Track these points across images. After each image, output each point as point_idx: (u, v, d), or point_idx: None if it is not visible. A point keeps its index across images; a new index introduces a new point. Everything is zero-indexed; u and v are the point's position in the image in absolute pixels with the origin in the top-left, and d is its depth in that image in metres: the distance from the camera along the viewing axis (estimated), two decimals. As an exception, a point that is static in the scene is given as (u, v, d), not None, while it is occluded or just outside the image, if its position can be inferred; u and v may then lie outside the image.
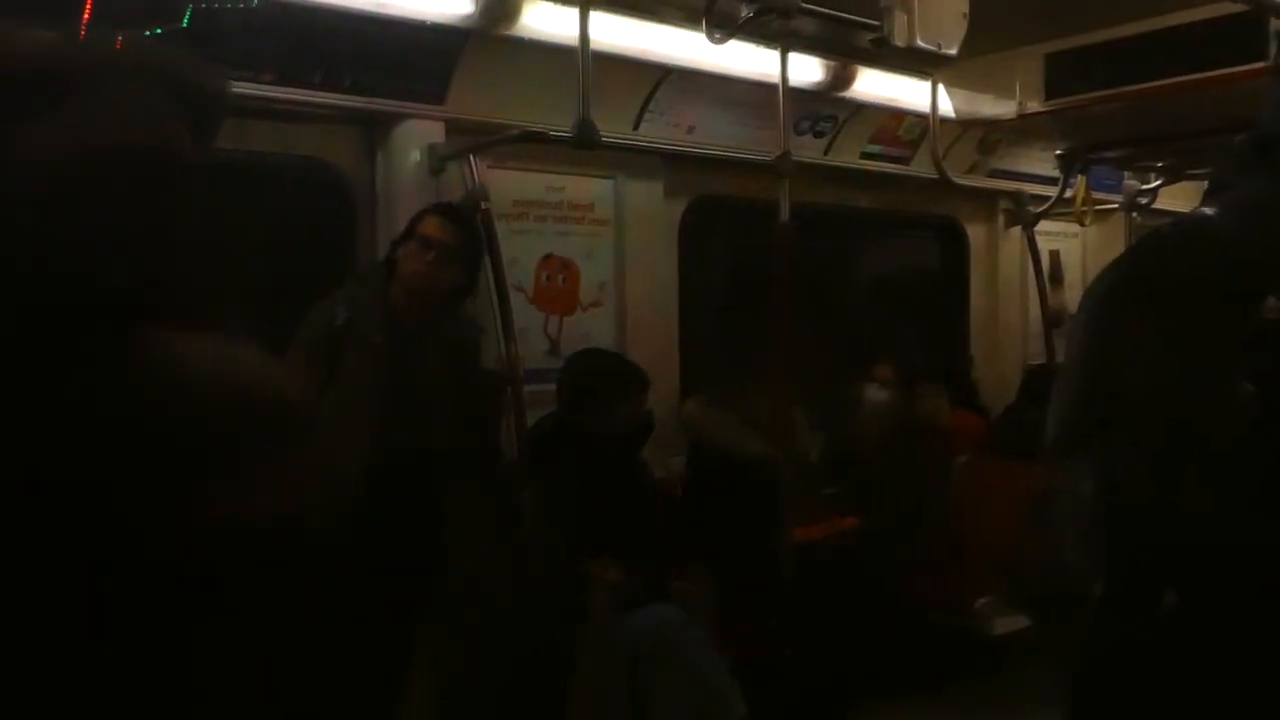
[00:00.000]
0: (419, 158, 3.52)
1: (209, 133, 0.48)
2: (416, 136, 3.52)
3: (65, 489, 0.38)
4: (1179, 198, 5.20)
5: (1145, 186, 5.21)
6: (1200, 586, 0.99)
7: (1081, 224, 5.07)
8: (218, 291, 0.45)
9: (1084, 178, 4.67)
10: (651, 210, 4.27)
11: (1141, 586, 1.01)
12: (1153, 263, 1.14)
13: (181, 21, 2.85)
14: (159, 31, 2.92)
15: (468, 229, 3.21)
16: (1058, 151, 4.58)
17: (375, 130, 3.56)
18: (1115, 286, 1.17)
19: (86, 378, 0.38)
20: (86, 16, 2.79)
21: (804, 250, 4.05)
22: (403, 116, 3.49)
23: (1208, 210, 1.10)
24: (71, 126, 0.41)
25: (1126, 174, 5.30)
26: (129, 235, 0.41)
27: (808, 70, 4.00)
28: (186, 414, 0.40)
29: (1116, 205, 5.42)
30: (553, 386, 3.71)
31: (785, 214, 3.59)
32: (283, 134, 3.40)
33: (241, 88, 3.09)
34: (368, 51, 3.27)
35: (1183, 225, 1.15)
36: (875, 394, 4.72)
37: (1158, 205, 5.31)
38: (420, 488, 3.01)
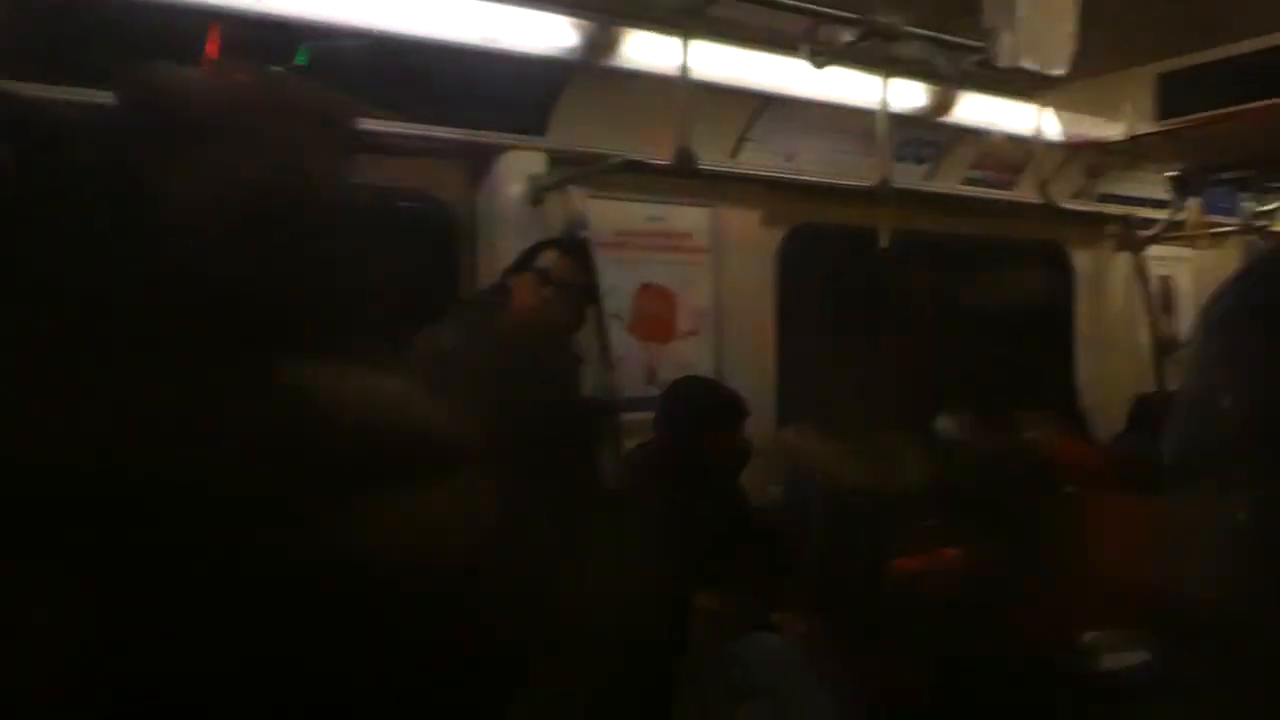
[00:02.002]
0: (521, 188, 3.58)
1: (345, 166, 0.49)
2: (518, 167, 3.58)
3: (213, 518, 0.39)
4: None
5: (1263, 208, 5.02)
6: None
7: (1194, 248, 4.90)
8: (360, 322, 0.46)
9: (1197, 200, 4.52)
10: (750, 238, 4.26)
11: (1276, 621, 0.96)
12: (1272, 283, 1.10)
13: (297, 60, 2.95)
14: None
15: (586, 265, 3.24)
16: (1170, 174, 4.45)
17: (478, 162, 3.63)
18: (1240, 303, 1.12)
19: (236, 410, 0.39)
20: (209, 57, 2.91)
21: (905, 278, 4.00)
22: (505, 148, 3.56)
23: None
24: (219, 165, 0.43)
25: (1242, 195, 5.12)
26: (276, 270, 0.42)
27: (909, 95, 3.96)
28: (332, 445, 0.41)
29: (1231, 228, 5.23)
30: (650, 414, 3.71)
31: (885, 241, 3.56)
32: (389, 168, 3.49)
33: (351, 123, 3.18)
34: (472, 85, 3.34)
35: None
36: (946, 425, 4.61)
37: (1278, 228, 5.11)
38: (520, 514, 3.03)
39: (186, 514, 0.39)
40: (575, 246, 3.29)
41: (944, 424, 4.61)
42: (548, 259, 3.14)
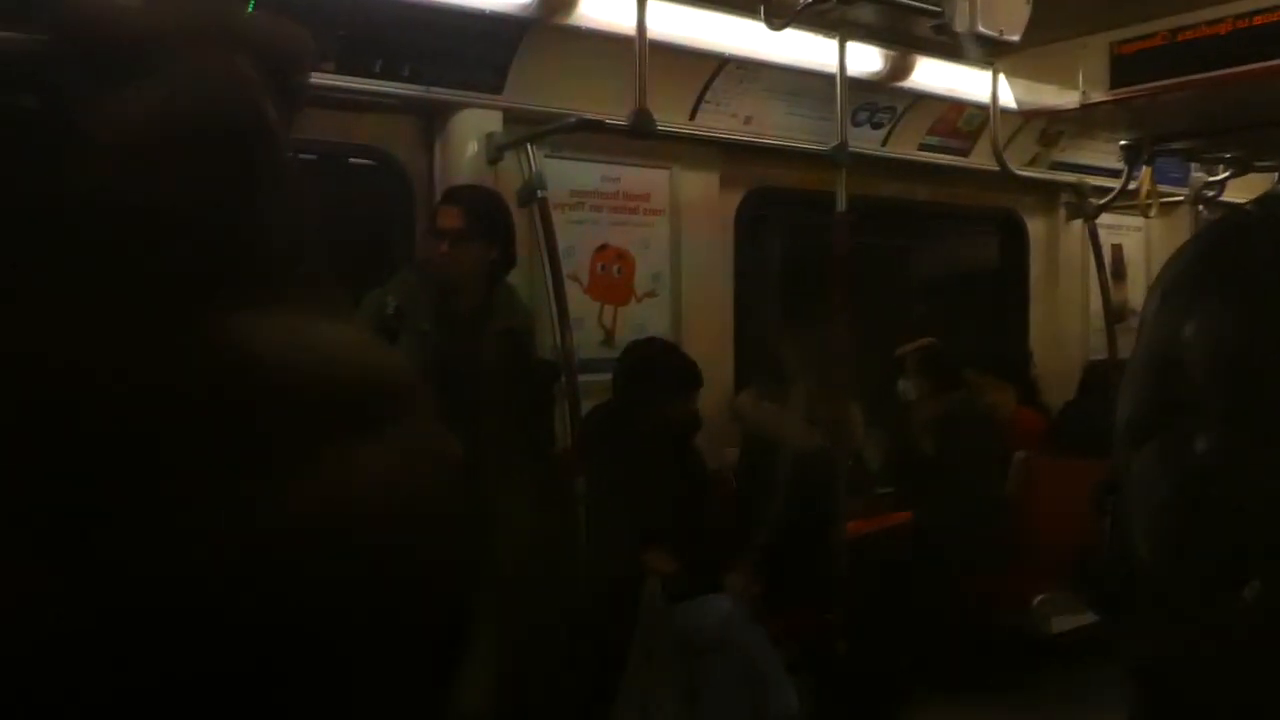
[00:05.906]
0: (476, 147, 3.54)
1: (294, 101, 0.47)
2: (474, 126, 3.54)
3: (142, 470, 0.37)
4: (1247, 190, 5.07)
5: (1212, 179, 5.08)
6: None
7: (1146, 216, 4.95)
8: (300, 268, 0.44)
9: (1149, 169, 4.56)
10: (707, 201, 4.25)
11: (1223, 577, 0.98)
12: (1231, 242, 1.11)
13: (246, 9, 2.88)
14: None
15: (477, 209, 3.16)
16: (1122, 143, 4.48)
17: (434, 119, 3.58)
18: (1193, 266, 1.14)
19: (166, 358, 0.38)
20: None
21: (861, 243, 4.01)
22: (461, 106, 3.51)
23: (1288, 190, 1.07)
24: (156, 96, 0.41)
25: (1193, 166, 5.18)
26: (213, 208, 0.40)
27: (866, 60, 3.95)
28: (270, 394, 0.40)
29: (1181, 198, 5.30)
30: (607, 376, 3.71)
31: (842, 205, 3.56)
32: (342, 123, 3.44)
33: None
34: (427, 41, 3.29)
35: (1261, 204, 1.12)
36: (904, 385, 4.66)
37: (1225, 198, 5.19)
38: (471, 476, 3.02)
39: (125, 472, 0.37)
40: (466, 194, 3.24)
41: (903, 386, 4.65)
42: (438, 214, 3.17)
